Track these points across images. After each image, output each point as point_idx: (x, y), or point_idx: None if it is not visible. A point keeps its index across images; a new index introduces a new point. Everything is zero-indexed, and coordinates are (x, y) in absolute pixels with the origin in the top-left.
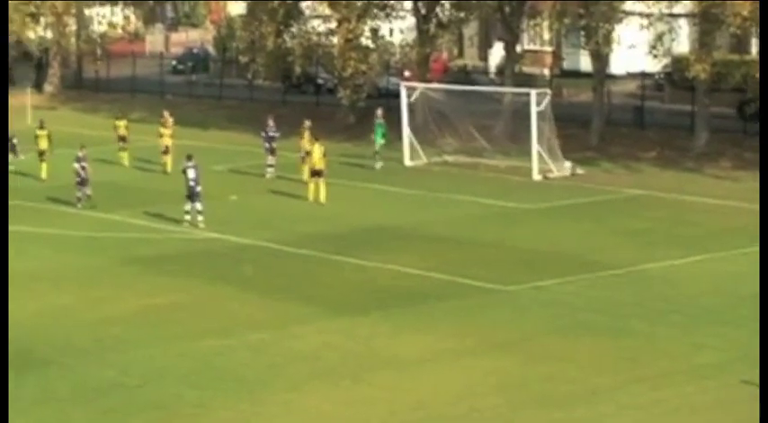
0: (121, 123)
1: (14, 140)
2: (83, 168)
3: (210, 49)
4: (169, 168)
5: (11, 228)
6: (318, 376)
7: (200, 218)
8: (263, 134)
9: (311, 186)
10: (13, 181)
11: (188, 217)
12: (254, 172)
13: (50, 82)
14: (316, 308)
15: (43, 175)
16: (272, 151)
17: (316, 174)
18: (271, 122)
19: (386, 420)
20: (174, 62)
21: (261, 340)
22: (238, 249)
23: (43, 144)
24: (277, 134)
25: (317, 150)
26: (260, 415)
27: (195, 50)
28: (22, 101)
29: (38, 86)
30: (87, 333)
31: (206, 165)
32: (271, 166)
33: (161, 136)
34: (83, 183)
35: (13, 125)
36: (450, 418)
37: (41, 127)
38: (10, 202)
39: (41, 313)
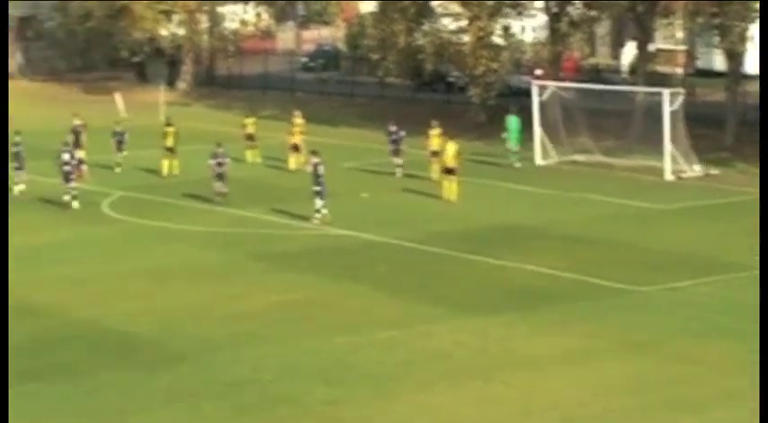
0: (249, 121)
1: (126, 135)
2: (219, 165)
3: (341, 46)
4: (294, 166)
5: (150, 223)
6: (450, 376)
7: (324, 211)
8: (387, 137)
9: (445, 184)
10: (143, 178)
11: (318, 215)
12: (384, 170)
13: (183, 79)
14: (447, 306)
15: (171, 170)
16: (396, 153)
17: (448, 172)
18: (393, 127)
19: (519, 421)
20: (305, 59)
21: (392, 338)
22: (369, 246)
23: (170, 141)
24: (400, 135)
25: (450, 148)
26: (391, 413)
27: (326, 48)
28: (155, 97)
29: (171, 83)
30: (221, 328)
31: (337, 162)
32: (399, 166)
33: (291, 134)
34: (220, 179)
35: (145, 121)
36: (584, 418)
37: (168, 124)
38: (146, 198)
39: (177, 308)
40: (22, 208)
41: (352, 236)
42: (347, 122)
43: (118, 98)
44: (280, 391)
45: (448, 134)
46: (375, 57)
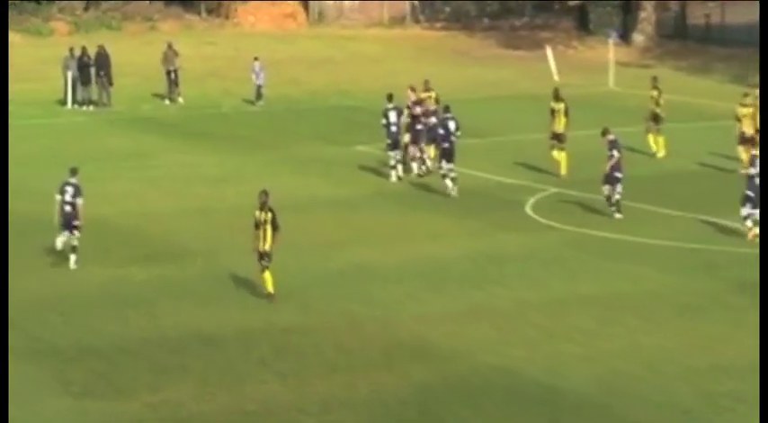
0: (654, 94)
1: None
2: (613, 161)
3: None
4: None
5: (589, 232)
6: None
7: (749, 223)
8: None
9: None
10: (577, 169)
11: (745, 227)
12: None
13: (641, 30)
14: None
15: (563, 165)
16: None
17: None
18: None
19: None
20: None
21: None
22: None
23: (559, 124)
24: None
25: None
26: None
27: None
28: (602, 55)
29: (623, 36)
30: (692, 388)
31: None
32: None
33: (738, 119)
34: (608, 181)
35: (587, 88)
36: None
37: (557, 98)
38: (581, 196)
39: (629, 356)
40: (410, 204)
41: None
42: None
43: (549, 55)
44: None
45: None
46: None
